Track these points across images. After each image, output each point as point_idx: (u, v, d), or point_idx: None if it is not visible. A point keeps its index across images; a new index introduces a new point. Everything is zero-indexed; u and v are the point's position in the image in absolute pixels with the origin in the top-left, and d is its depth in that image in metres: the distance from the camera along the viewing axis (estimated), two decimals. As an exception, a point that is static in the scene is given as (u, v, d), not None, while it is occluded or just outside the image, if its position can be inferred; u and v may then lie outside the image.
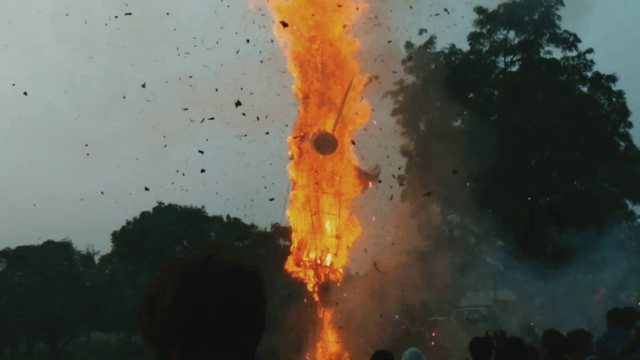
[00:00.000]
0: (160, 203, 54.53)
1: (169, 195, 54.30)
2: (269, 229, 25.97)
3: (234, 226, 49.72)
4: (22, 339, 57.66)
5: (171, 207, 54.68)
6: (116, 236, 55.25)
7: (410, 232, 27.79)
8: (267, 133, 19.81)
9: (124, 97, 21.43)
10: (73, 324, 55.44)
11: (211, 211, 54.46)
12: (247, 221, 34.13)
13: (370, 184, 20.13)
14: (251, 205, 21.41)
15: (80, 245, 62.66)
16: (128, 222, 55.09)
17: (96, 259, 59.97)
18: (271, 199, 19.74)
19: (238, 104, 18.41)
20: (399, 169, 28.60)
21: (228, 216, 52.32)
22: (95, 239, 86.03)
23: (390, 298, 26.53)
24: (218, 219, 53.77)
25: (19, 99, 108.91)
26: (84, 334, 60.21)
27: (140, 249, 52.83)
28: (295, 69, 19.97)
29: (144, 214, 55.08)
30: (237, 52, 19.43)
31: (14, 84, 68.06)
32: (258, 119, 19.43)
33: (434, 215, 32.76)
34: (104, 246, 65.24)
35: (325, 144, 18.87)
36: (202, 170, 21.65)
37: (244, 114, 18.93)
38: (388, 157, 20.87)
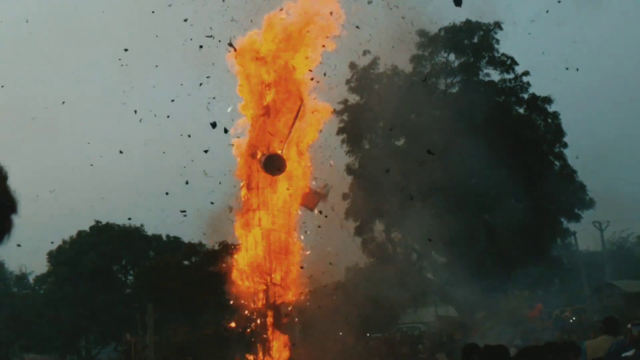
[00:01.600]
0: (97, 222, 53.79)
1: (106, 214, 53.71)
2: (216, 247, 26.04)
3: (174, 244, 49.42)
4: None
5: (109, 226, 53.95)
6: (52, 255, 54.22)
7: (353, 249, 28.33)
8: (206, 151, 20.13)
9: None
10: (7, 345, 54.27)
11: (150, 230, 53.95)
12: (188, 239, 33.92)
13: (320, 201, 20.52)
14: (185, 221, 21.49)
15: (12, 265, 61.32)
16: (64, 242, 54.14)
17: (30, 278, 58.91)
18: (183, 211, 19.82)
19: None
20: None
21: (167, 235, 51.97)
22: (28, 259, 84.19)
23: (335, 315, 26.91)
24: (157, 237, 53.28)
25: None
26: (17, 355, 58.87)
27: (77, 268, 52.00)
28: (244, 88, 20.28)
29: (80, 233, 54.22)
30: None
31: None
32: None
33: (377, 233, 33.39)
34: (38, 266, 63.86)
35: (274, 165, 19.22)
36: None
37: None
38: (328, 184, 21.29)
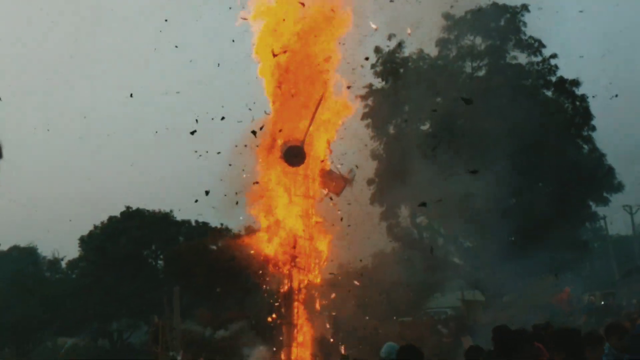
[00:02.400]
0: (128, 207, 54.43)
1: (136, 200, 54.32)
2: (241, 232, 26.20)
3: (203, 230, 49.80)
4: (-13, 346, 57.30)
5: (139, 212, 54.53)
6: (84, 241, 54.98)
7: (379, 234, 28.37)
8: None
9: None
10: (39, 329, 55.14)
11: (179, 215, 54.43)
12: (215, 224, 34.17)
13: (346, 187, 20.51)
14: (216, 207, 21.51)
15: (46, 250, 62.26)
16: (95, 227, 54.86)
17: (62, 263, 59.73)
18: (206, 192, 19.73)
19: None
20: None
21: (196, 220, 52.35)
22: (61, 244, 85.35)
23: (361, 299, 27.00)
24: (186, 222, 53.71)
25: None
26: (50, 338, 59.86)
27: (108, 253, 52.67)
28: (267, 72, 20.25)
29: (111, 219, 54.87)
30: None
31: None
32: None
33: (403, 218, 33.40)
34: (70, 251, 64.78)
35: (294, 156, 19.21)
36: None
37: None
38: (357, 166, 21.26)
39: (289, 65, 19.95)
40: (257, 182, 19.41)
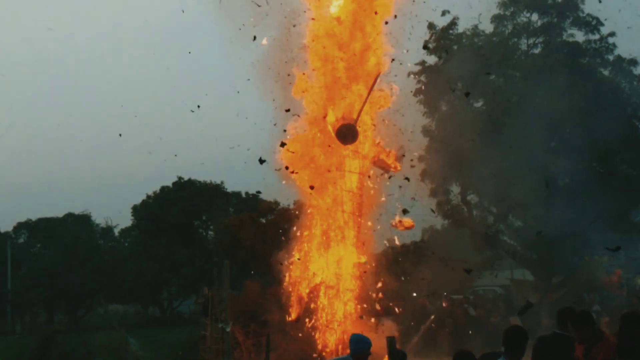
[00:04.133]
0: (180, 178, 55.12)
1: (188, 171, 54.96)
2: (290, 206, 26.40)
3: (252, 202, 50.20)
4: (41, 310, 58.70)
5: (191, 182, 55.19)
6: (136, 210, 55.92)
7: (428, 211, 28.29)
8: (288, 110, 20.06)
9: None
10: (92, 295, 56.35)
11: (230, 187, 55.01)
12: (265, 197, 34.40)
13: (396, 164, 20.51)
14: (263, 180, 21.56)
15: (99, 218, 63.54)
16: (148, 197, 55.73)
17: (115, 231, 60.87)
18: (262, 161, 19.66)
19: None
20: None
21: (246, 192, 52.76)
22: (114, 212, 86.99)
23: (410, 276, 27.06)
24: (237, 194, 54.20)
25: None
26: (102, 305, 61.18)
27: (160, 222, 53.50)
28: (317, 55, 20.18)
29: (163, 189, 55.65)
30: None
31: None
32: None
33: (453, 195, 33.24)
34: (122, 220, 65.97)
35: (347, 134, 19.27)
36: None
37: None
38: (409, 141, 21.21)
39: (341, 35, 19.89)
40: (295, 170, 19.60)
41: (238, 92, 25.15)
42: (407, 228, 20.52)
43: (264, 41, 19.65)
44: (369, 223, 20.34)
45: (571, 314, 8.49)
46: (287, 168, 19.46)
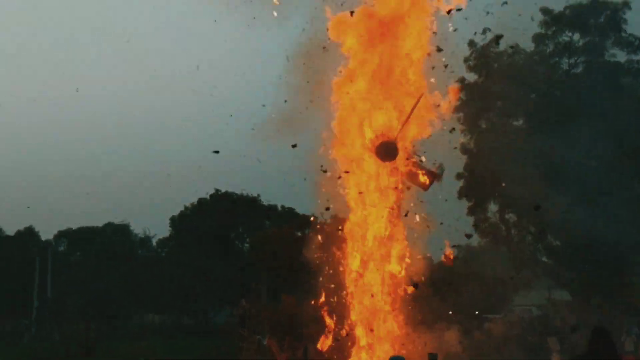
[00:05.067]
0: (217, 190, 55.60)
1: (225, 183, 55.41)
2: (327, 220, 26.39)
3: (289, 216, 50.42)
4: (78, 317, 59.30)
5: (227, 194, 55.62)
6: (174, 221, 56.48)
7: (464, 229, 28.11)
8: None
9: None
10: (128, 304, 56.88)
11: (266, 200, 55.37)
12: (301, 211, 34.52)
13: (434, 181, 20.44)
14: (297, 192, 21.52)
15: (137, 228, 64.23)
16: (186, 208, 56.28)
17: (153, 241, 61.53)
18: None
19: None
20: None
21: (283, 206, 53.09)
22: (151, 223, 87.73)
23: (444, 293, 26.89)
24: (273, 207, 54.52)
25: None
26: (138, 313, 61.72)
27: (196, 234, 53.94)
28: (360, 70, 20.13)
29: (200, 200, 56.15)
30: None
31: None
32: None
33: (491, 214, 33.09)
34: (160, 230, 66.73)
35: (387, 153, 19.27)
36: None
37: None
38: (443, 164, 21.09)
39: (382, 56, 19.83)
40: (347, 172, 19.54)
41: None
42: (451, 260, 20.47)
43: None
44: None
45: (602, 333, 8.54)
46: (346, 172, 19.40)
